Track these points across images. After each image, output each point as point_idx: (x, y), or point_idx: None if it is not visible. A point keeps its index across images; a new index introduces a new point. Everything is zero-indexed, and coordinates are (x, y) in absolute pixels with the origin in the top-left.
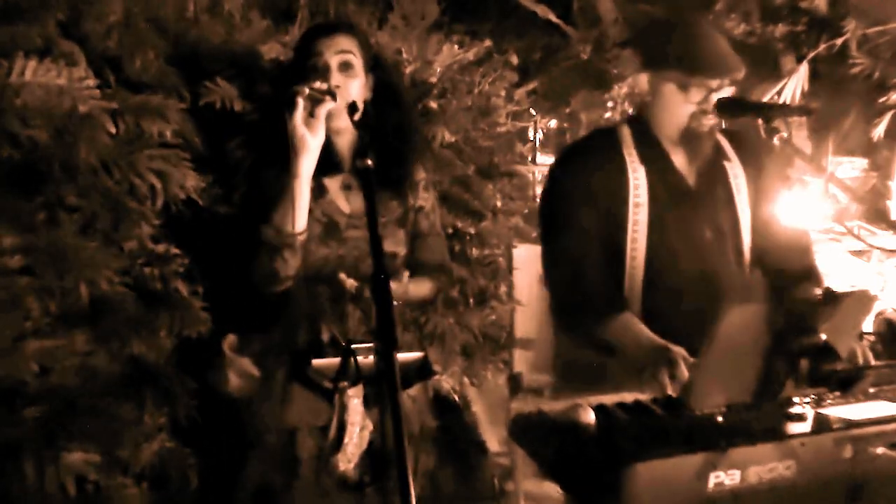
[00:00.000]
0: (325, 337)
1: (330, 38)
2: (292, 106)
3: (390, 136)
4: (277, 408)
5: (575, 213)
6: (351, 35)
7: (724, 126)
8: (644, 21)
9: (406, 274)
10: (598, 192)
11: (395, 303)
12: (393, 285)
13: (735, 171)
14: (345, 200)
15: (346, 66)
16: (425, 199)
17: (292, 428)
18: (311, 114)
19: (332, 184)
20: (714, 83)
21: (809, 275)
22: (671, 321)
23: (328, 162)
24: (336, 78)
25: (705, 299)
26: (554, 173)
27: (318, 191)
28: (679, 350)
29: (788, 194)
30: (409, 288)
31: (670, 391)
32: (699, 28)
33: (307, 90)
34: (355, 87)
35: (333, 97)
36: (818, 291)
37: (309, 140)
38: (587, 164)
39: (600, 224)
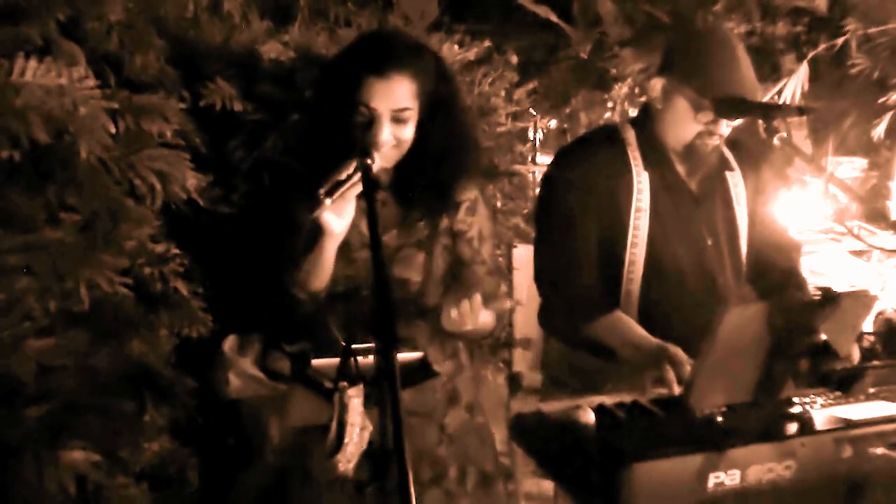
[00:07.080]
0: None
1: (384, 81)
2: (318, 202)
3: (436, 155)
4: (279, 408)
5: (572, 210)
6: (410, 75)
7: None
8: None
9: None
10: (599, 192)
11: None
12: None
13: (736, 181)
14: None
15: (399, 121)
16: (466, 222)
17: (293, 428)
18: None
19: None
20: None
21: (792, 281)
22: (668, 326)
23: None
24: (385, 132)
25: (703, 307)
26: (554, 169)
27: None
28: (676, 348)
29: (786, 196)
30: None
31: (676, 389)
32: (725, 46)
33: (333, 196)
34: (407, 133)
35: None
36: (801, 296)
37: (335, 225)
38: (590, 163)
39: (598, 224)
